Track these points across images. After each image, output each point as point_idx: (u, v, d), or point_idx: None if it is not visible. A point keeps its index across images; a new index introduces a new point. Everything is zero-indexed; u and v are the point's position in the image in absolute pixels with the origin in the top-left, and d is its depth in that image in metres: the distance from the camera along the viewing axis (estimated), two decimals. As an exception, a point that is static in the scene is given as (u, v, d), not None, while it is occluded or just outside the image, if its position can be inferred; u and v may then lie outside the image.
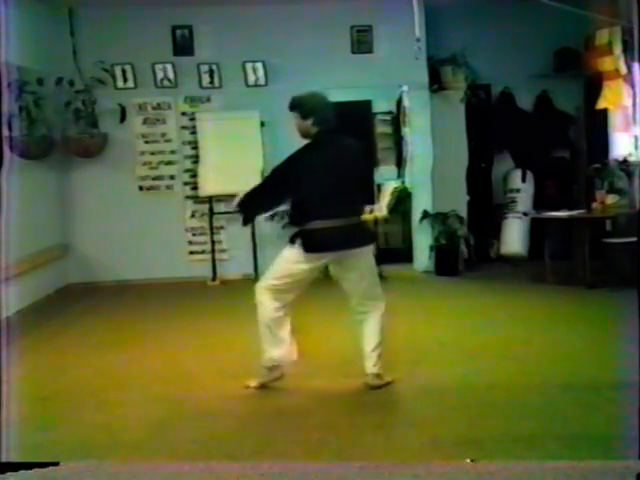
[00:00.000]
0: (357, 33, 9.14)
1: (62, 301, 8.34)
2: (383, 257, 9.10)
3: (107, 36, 8.83)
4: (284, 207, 8.48)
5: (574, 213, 7.97)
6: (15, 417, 3.56)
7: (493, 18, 9.30)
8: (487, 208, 9.59)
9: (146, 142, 9.13)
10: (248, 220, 5.10)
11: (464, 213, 9.12)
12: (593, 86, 8.83)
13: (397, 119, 10.32)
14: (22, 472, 3.37)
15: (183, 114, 9.15)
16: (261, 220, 8.93)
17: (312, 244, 4.66)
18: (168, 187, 9.20)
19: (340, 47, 9.06)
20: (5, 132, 4.96)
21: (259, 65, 9.02)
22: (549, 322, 6.48)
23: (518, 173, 9.41)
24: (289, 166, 4.73)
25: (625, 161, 8.39)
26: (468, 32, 9.16)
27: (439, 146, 9.05)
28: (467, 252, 9.10)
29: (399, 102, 10.03)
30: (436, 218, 9.05)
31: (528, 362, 5.29)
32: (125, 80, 8.96)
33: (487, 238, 9.50)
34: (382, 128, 10.77)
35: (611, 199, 7.94)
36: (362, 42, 9.14)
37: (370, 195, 4.93)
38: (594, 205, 7.94)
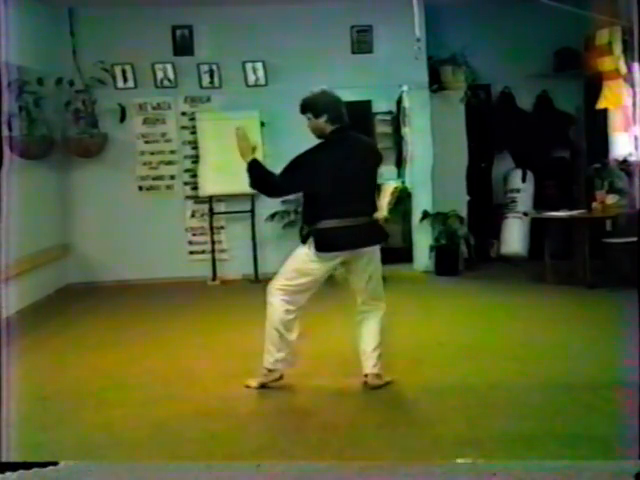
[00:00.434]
0: (357, 33, 9.15)
1: (62, 301, 8.34)
2: (383, 257, 9.12)
3: (107, 36, 8.82)
4: (285, 207, 8.65)
5: (574, 213, 7.97)
6: (15, 417, 3.56)
7: (493, 18, 9.31)
8: (487, 208, 9.59)
9: (146, 142, 9.13)
10: (253, 186, 4.93)
11: (464, 213, 9.12)
12: (593, 86, 8.83)
13: (397, 119, 10.32)
14: (21, 472, 3.36)
15: (183, 114, 9.15)
16: (261, 220, 8.97)
17: (326, 243, 4.64)
18: (168, 187, 9.19)
19: (340, 47, 9.06)
20: (5, 132, 4.95)
21: (259, 65, 9.02)
22: (549, 322, 6.48)
23: (518, 173, 9.41)
24: (304, 163, 4.67)
25: (625, 161, 8.40)
26: (468, 32, 9.16)
27: (439, 146, 9.06)
28: (467, 252, 9.11)
29: (399, 102, 10.02)
30: (436, 218, 9.06)
31: (528, 362, 5.29)
32: (125, 80, 8.96)
33: (487, 238, 9.50)
34: (382, 128, 10.76)
35: (611, 199, 7.94)
36: (362, 42, 9.14)
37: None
38: (594, 205, 7.94)
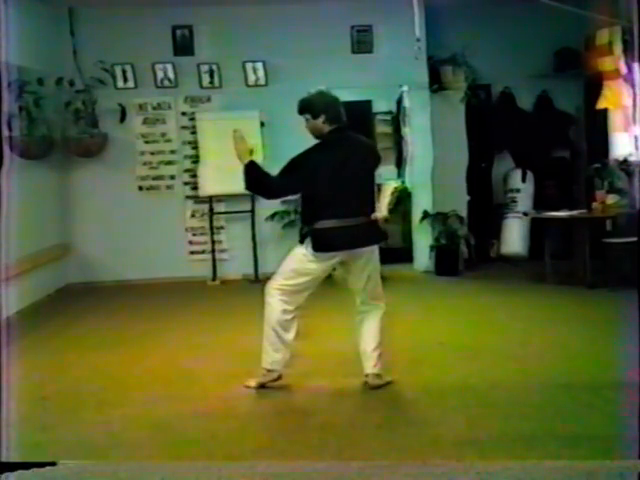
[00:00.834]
0: (357, 33, 9.14)
1: (62, 301, 8.34)
2: (383, 257, 9.11)
3: (107, 36, 8.83)
4: (285, 207, 8.65)
5: (574, 213, 7.97)
6: (15, 417, 3.56)
7: (493, 18, 9.30)
8: (487, 208, 9.59)
9: (146, 142, 9.13)
10: (249, 189, 4.93)
11: (464, 213, 9.12)
12: (593, 86, 8.83)
13: (397, 119, 10.32)
14: (20, 472, 3.37)
15: (183, 114, 9.15)
16: (261, 220, 8.97)
17: (323, 243, 4.64)
18: (168, 187, 9.20)
19: (340, 47, 9.06)
20: (5, 132, 4.95)
21: (259, 65, 9.02)
22: (549, 322, 6.48)
23: (518, 173, 9.41)
24: (302, 163, 4.68)
25: (625, 161, 8.39)
26: (468, 32, 9.15)
27: (439, 146, 9.06)
28: (467, 252, 9.11)
29: (399, 102, 10.02)
30: (436, 218, 9.05)
31: (528, 362, 5.29)
32: (125, 80, 8.96)
33: (487, 238, 9.50)
34: (382, 128, 10.77)
35: (611, 199, 7.94)
36: (362, 42, 9.14)
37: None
38: (594, 205, 7.94)
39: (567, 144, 9.69)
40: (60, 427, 4.37)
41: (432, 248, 9.04)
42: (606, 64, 8.39)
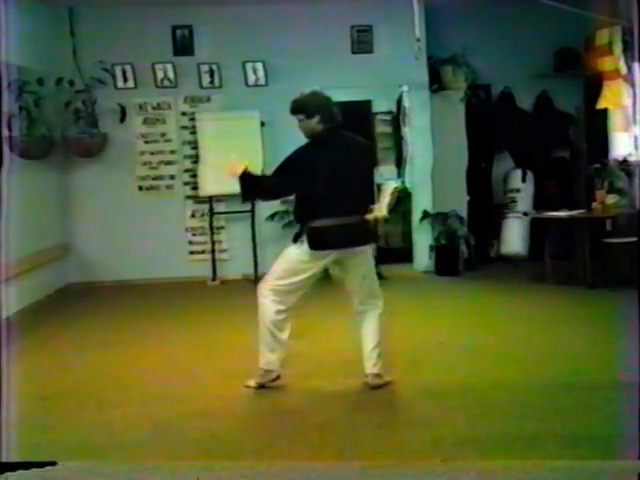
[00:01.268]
0: (357, 33, 9.14)
1: (62, 301, 8.34)
2: (383, 257, 9.12)
3: (107, 36, 8.82)
4: (285, 207, 8.65)
5: (574, 213, 7.97)
6: (15, 417, 3.56)
7: (493, 18, 9.31)
8: (487, 208, 9.58)
9: (146, 142, 9.13)
10: (246, 200, 4.98)
11: (464, 213, 9.12)
12: (593, 86, 8.83)
13: (397, 119, 10.32)
14: (20, 472, 3.36)
15: (183, 114, 9.15)
16: (261, 220, 8.97)
17: (317, 241, 4.64)
18: (168, 187, 9.20)
19: (340, 47, 9.06)
20: (5, 132, 4.96)
21: (259, 65, 9.02)
22: (549, 322, 6.48)
23: (518, 173, 9.40)
24: (296, 163, 4.69)
25: (625, 161, 8.39)
26: (468, 32, 9.16)
27: (439, 146, 9.06)
28: (467, 252, 9.10)
29: (399, 102, 10.02)
30: (436, 218, 9.05)
31: (528, 362, 5.29)
32: (125, 80, 8.96)
33: (487, 238, 9.50)
34: (382, 128, 10.77)
35: (611, 199, 7.94)
36: (362, 42, 9.14)
37: (371, 194, 4.91)
38: (594, 205, 7.94)
39: (567, 144, 9.69)
40: (60, 427, 4.37)
41: (432, 248, 9.04)
42: (606, 64, 8.39)
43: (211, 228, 9.06)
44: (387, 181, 10.62)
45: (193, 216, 9.22)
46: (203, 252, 9.17)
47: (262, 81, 9.03)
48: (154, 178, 9.16)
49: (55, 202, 8.86)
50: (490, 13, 9.23)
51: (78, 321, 7.33)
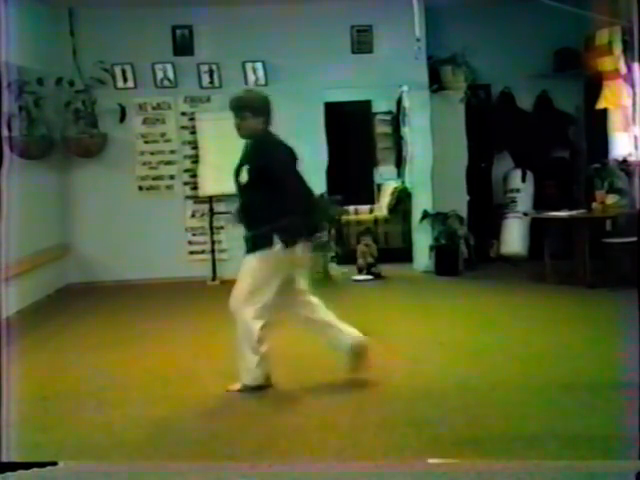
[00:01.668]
0: (357, 33, 9.14)
1: (62, 301, 8.34)
2: (383, 257, 9.14)
3: (107, 36, 8.83)
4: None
5: (574, 213, 7.97)
6: (15, 417, 3.56)
7: (493, 18, 9.31)
8: (487, 208, 9.58)
9: (146, 142, 9.13)
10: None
11: (464, 213, 9.12)
12: (593, 86, 8.83)
13: (397, 119, 10.33)
14: (20, 472, 3.36)
15: (183, 114, 9.15)
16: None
17: (293, 235, 4.61)
18: (168, 187, 9.20)
19: (340, 47, 9.06)
20: (5, 132, 4.96)
21: (259, 65, 9.02)
22: (549, 322, 6.48)
23: (518, 173, 9.40)
24: (291, 162, 4.79)
25: (625, 161, 8.39)
26: (468, 32, 9.16)
27: (439, 146, 9.05)
28: (467, 252, 9.10)
29: (399, 102, 10.04)
30: (436, 218, 9.05)
31: (528, 362, 5.29)
32: (125, 80, 8.96)
33: (487, 238, 9.49)
34: (382, 128, 10.79)
35: (611, 199, 7.94)
36: (362, 42, 9.14)
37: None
38: (594, 205, 7.94)
39: (567, 144, 9.69)
40: (60, 427, 4.37)
41: (432, 248, 9.04)
42: (606, 64, 8.39)
43: (211, 228, 9.06)
44: (387, 181, 10.67)
45: (193, 216, 9.22)
46: (203, 252, 9.17)
47: (262, 81, 9.03)
48: (154, 178, 9.16)
49: (55, 202, 8.86)
50: (490, 13, 9.24)
51: (78, 321, 7.33)
